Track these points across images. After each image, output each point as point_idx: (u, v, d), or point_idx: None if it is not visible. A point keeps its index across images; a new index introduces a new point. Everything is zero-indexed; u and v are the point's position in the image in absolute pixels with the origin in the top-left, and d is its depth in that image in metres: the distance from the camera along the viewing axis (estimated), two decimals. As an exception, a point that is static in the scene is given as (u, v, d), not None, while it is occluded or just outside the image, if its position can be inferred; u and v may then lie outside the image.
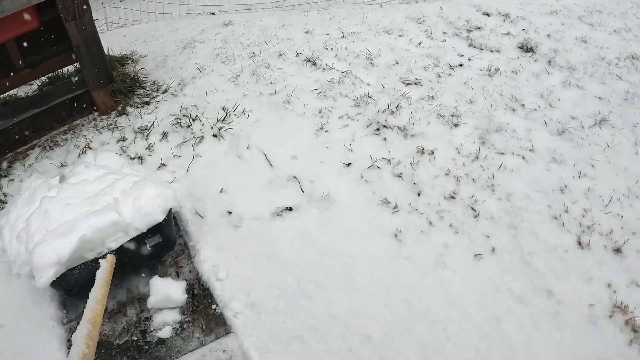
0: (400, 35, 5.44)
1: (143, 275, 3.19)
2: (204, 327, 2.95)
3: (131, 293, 3.14)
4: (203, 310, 3.03)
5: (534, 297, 3.06)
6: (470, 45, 5.27)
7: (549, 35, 5.40)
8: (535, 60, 5.01)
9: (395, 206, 3.52)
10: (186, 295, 3.08)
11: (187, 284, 3.15)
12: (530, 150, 3.95)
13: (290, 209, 3.50)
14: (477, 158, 3.87)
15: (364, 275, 3.13)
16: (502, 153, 3.91)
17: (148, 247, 3.07)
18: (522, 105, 4.40)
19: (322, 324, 2.92)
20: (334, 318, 2.94)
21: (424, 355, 2.79)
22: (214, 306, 3.04)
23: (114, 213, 2.90)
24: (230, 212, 3.50)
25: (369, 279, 3.11)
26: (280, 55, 5.13)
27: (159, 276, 3.13)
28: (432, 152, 3.90)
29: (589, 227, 3.43)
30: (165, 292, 3.01)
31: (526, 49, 5.19)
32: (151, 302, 3.01)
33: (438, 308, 2.99)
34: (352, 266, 3.18)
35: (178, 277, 3.22)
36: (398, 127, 4.14)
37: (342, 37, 5.46)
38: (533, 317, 2.98)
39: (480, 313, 2.97)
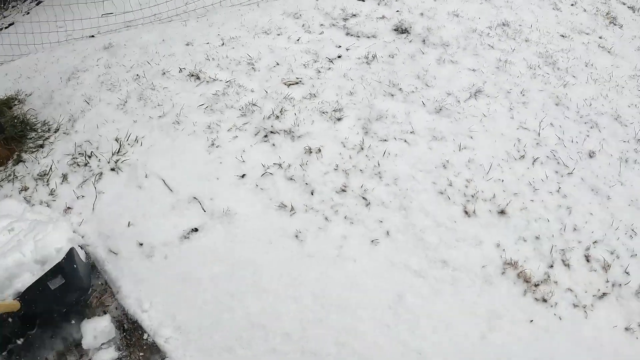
0: (278, 34, 5.72)
1: (73, 322, 3.40)
2: (141, 358, 3.24)
3: (67, 341, 3.35)
4: (137, 343, 3.31)
5: (431, 268, 3.49)
6: (347, 34, 5.62)
7: (422, 14, 5.82)
8: (410, 41, 5.42)
9: (292, 208, 3.85)
10: (114, 325, 3.36)
11: (116, 320, 3.41)
12: (411, 132, 4.35)
13: (196, 229, 3.77)
14: (362, 149, 4.23)
15: (273, 279, 3.47)
16: (385, 140, 4.29)
17: (52, 288, 3.24)
18: (400, 89, 4.79)
19: (245, 331, 3.26)
20: (255, 324, 3.28)
21: (339, 339, 3.18)
22: (145, 336, 3.32)
23: (17, 253, 3.18)
24: (141, 244, 3.73)
25: (277, 282, 3.46)
26: (164, 73, 5.28)
27: (87, 318, 3.39)
28: (320, 150, 4.22)
29: (473, 196, 3.89)
30: (95, 328, 3.29)
31: (401, 30, 5.58)
32: (86, 343, 3.28)
33: (345, 295, 3.37)
34: (261, 272, 3.51)
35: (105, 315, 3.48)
36: (284, 130, 4.44)
37: (222, 44, 5.67)
38: (432, 287, 3.40)
39: (383, 293, 3.38)
